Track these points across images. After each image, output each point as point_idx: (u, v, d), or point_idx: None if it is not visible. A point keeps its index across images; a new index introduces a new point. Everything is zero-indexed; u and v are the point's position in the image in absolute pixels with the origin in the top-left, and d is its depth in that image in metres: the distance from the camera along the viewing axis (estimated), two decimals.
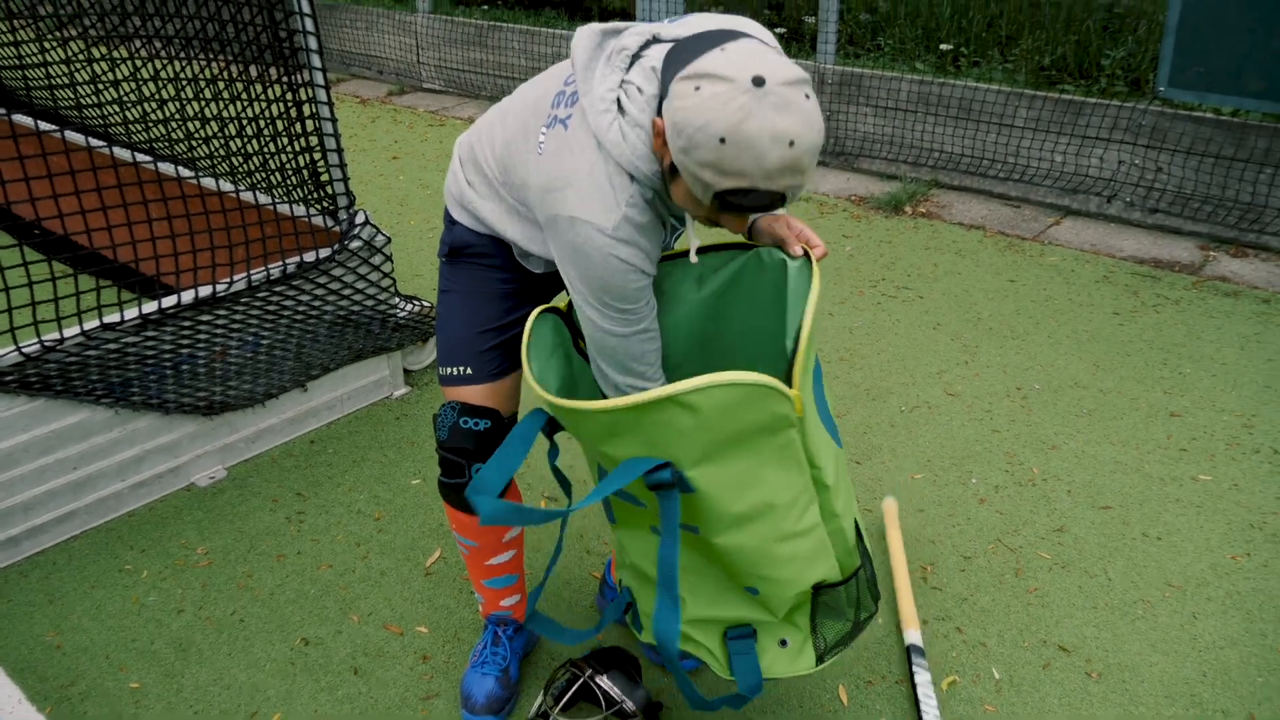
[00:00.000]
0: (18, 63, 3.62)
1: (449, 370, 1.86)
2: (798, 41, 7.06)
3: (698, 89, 1.28)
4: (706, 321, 1.76)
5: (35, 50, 2.84)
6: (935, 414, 3.13)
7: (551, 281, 1.87)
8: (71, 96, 3.33)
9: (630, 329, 1.55)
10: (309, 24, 2.68)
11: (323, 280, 2.87)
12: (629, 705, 1.88)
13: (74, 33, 2.97)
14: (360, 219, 2.94)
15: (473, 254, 1.82)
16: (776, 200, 1.32)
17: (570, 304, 1.70)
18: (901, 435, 3.02)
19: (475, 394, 1.85)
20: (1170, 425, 3.03)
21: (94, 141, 3.35)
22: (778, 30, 7.14)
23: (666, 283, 1.72)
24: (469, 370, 1.84)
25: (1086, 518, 2.61)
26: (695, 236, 1.57)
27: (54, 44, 2.90)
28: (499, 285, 1.83)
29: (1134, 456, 2.87)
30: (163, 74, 2.79)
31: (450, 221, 1.84)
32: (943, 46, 6.47)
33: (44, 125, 3.45)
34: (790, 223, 1.63)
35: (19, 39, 3.19)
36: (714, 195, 1.33)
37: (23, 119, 3.94)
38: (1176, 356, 3.43)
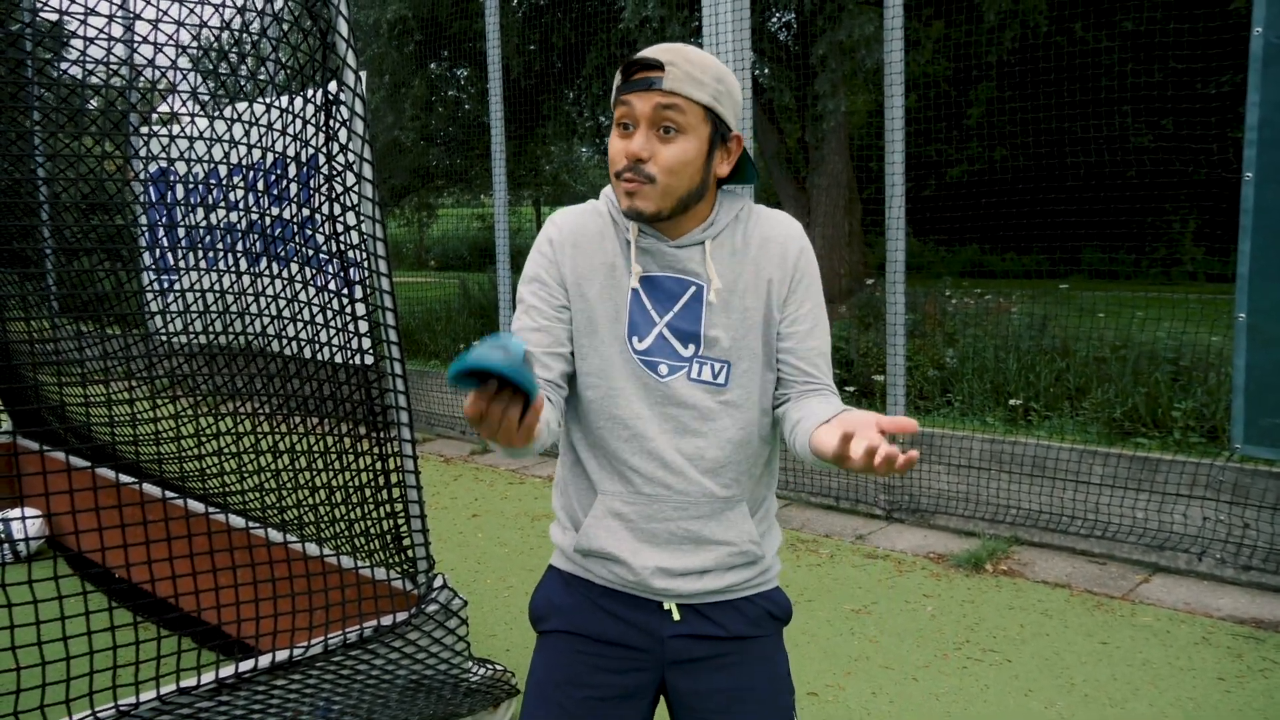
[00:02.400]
0: (118, 421, 3.87)
1: None
2: (868, 398, 7.28)
3: None
4: None
5: (145, 409, 3.07)
6: None
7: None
8: (163, 453, 3.53)
9: (522, 304, 1.73)
10: (402, 399, 2.87)
11: (398, 644, 2.87)
12: None
13: (181, 394, 3.21)
14: (439, 582, 2.98)
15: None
16: (654, 65, 1.57)
17: None
18: None
19: None
20: None
21: (193, 504, 3.51)
22: (847, 388, 7.39)
23: None
24: None
25: None
26: (637, 263, 1.68)
27: (165, 402, 3.12)
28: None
29: None
30: (261, 441, 2.97)
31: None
32: (1012, 401, 6.62)
33: (150, 487, 3.65)
34: (855, 422, 1.39)
35: (129, 398, 3.45)
36: (617, 86, 1.63)
37: (106, 472, 4.16)
38: None
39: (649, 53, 1.60)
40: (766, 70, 11.69)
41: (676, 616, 1.73)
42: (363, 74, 2.76)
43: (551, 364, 1.68)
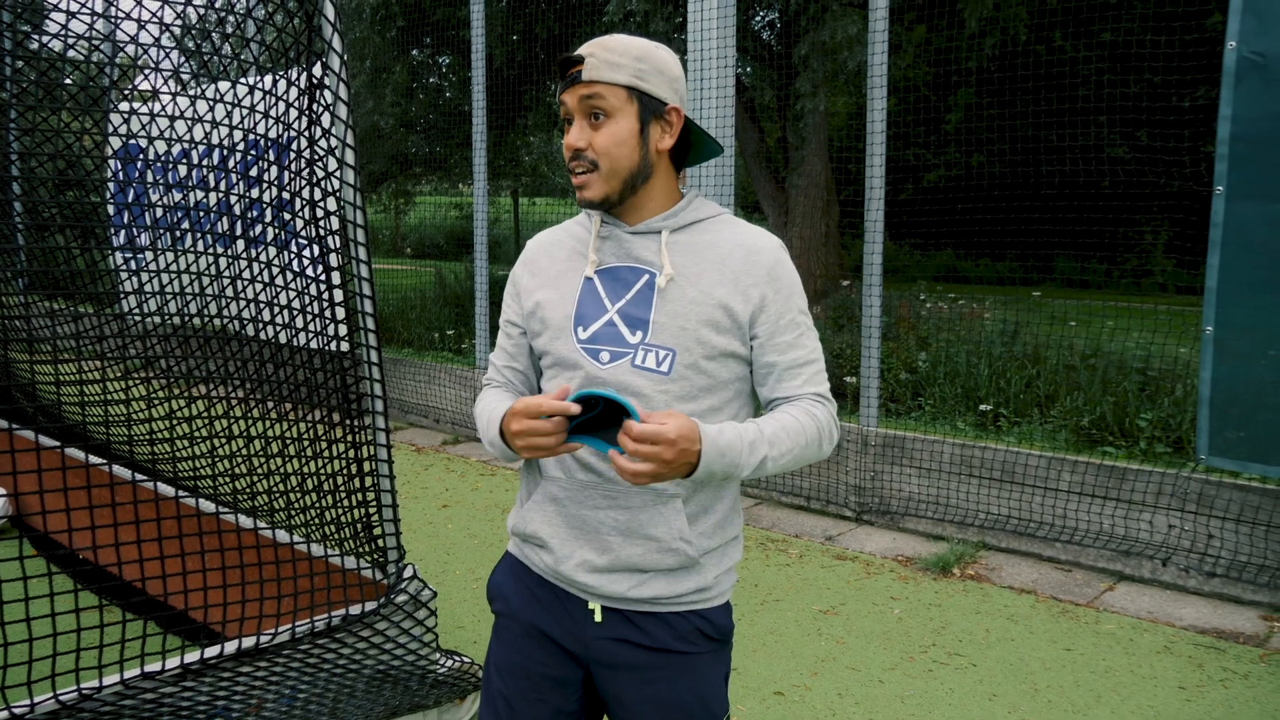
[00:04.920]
0: (88, 401, 3.83)
1: None
2: (839, 399, 7.30)
3: None
4: None
5: (117, 390, 3.04)
6: None
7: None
8: (133, 435, 3.49)
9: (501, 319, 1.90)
10: (378, 388, 2.85)
11: (366, 634, 2.86)
12: None
13: (151, 375, 3.18)
14: (408, 572, 2.97)
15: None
16: (576, 60, 1.66)
17: None
18: None
19: None
20: None
21: (164, 489, 3.47)
22: None
23: None
24: None
25: None
26: (595, 254, 1.75)
27: (137, 384, 3.09)
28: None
29: None
30: (234, 426, 2.94)
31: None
32: (982, 407, 6.66)
33: (119, 470, 3.60)
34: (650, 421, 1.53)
35: (101, 379, 3.40)
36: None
37: (76, 453, 4.11)
38: None
39: (578, 50, 1.69)
40: (749, 69, 11.70)
41: (598, 618, 1.74)
42: (345, 58, 2.74)
43: (510, 376, 1.89)
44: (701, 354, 1.68)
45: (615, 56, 1.65)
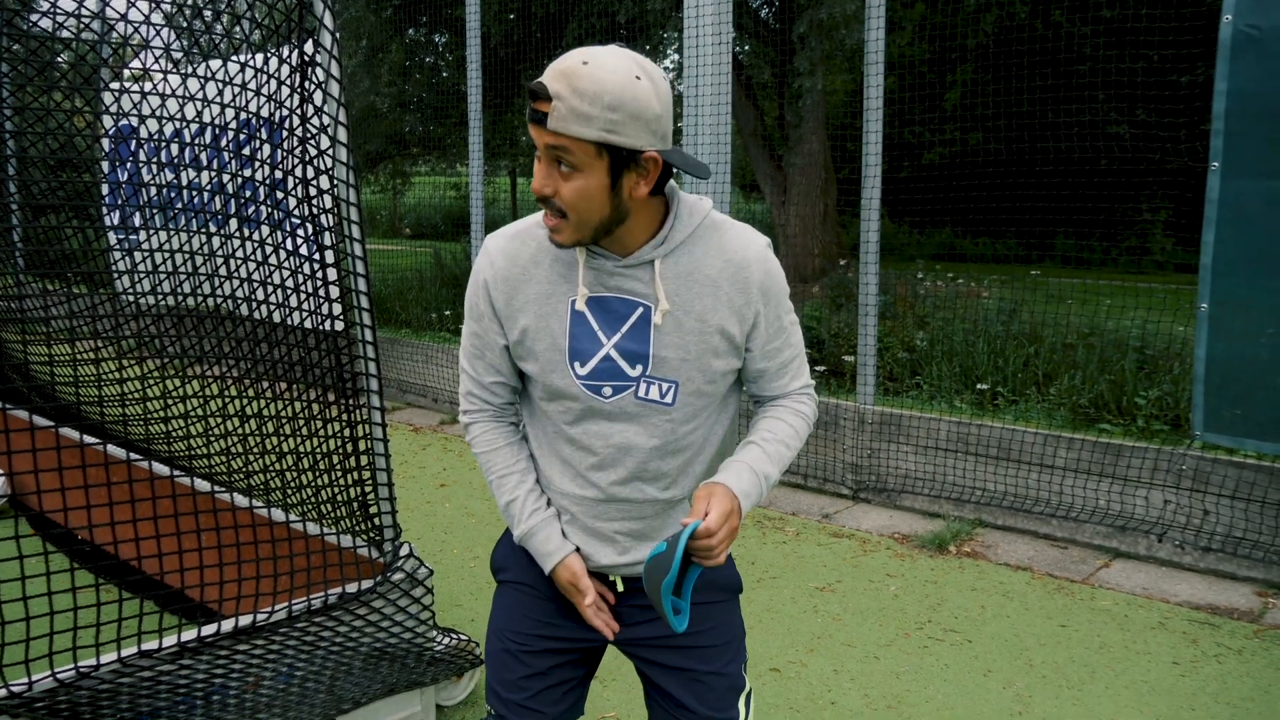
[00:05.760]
0: (83, 381, 3.82)
1: None
2: (837, 378, 7.30)
3: None
4: None
5: (111, 370, 3.04)
6: None
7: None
8: (129, 415, 3.49)
9: (468, 328, 1.80)
10: (372, 367, 2.85)
11: (363, 612, 2.87)
12: None
13: (148, 354, 3.17)
14: (405, 551, 2.98)
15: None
16: (544, 97, 1.48)
17: None
18: None
19: None
20: None
21: (159, 468, 3.48)
22: (818, 368, 7.41)
23: None
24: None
25: None
26: (584, 286, 1.65)
27: (132, 364, 3.09)
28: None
29: None
30: (229, 405, 2.94)
31: None
32: (980, 386, 6.66)
33: (114, 449, 3.59)
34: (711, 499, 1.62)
35: (94, 359, 3.40)
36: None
37: (71, 432, 4.11)
38: (1245, 713, 3.25)
39: (544, 79, 1.50)
40: (746, 47, 11.65)
41: (620, 588, 1.82)
42: (337, 35, 2.72)
43: (500, 392, 1.83)
44: (703, 381, 1.69)
45: (584, 105, 1.46)
